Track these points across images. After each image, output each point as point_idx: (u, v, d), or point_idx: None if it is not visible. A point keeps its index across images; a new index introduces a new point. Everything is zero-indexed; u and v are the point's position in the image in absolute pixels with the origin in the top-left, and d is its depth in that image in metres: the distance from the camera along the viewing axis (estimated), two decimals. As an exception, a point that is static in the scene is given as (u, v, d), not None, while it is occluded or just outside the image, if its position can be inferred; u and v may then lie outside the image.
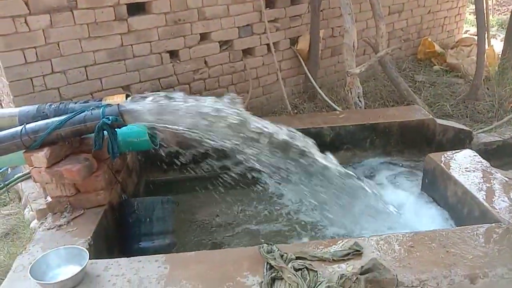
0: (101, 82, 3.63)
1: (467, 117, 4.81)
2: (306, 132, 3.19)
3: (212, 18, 4.03)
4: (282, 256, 1.93)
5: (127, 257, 2.45)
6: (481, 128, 4.43)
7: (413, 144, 3.60)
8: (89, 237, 2.20)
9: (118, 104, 2.31)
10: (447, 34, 6.70)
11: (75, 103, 2.49)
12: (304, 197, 2.96)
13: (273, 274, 1.83)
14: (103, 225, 2.38)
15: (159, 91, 3.96)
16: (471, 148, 3.82)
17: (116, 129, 2.33)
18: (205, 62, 4.17)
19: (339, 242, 2.08)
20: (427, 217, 2.70)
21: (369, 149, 3.57)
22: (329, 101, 4.64)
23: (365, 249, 2.01)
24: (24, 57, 3.20)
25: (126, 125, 2.32)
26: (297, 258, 1.95)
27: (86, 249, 2.04)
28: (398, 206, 2.82)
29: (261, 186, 3.05)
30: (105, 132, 2.30)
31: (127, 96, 2.51)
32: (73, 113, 2.29)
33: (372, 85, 5.33)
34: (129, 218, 2.59)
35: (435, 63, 6.22)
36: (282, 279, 1.82)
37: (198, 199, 3.28)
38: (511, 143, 3.94)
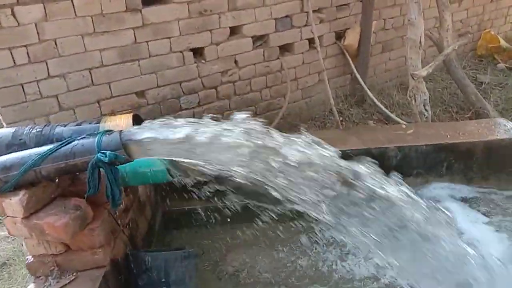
0: (109, 87, 2.97)
1: (550, 127, 3.95)
2: (367, 152, 2.52)
3: (245, 9, 3.31)
4: None
5: None
6: None
7: (501, 169, 2.81)
8: (79, 323, 1.53)
9: (121, 132, 1.62)
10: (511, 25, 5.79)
11: (64, 125, 1.81)
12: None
13: None
14: (101, 296, 1.71)
15: (180, 96, 3.32)
16: None
17: (117, 167, 1.64)
18: (235, 62, 3.46)
19: None
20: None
21: (446, 175, 2.80)
22: (383, 108, 3.87)
23: None
24: (13, 58, 2.56)
25: (131, 161, 1.64)
26: None
27: None
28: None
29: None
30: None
31: (135, 117, 1.82)
32: (58, 144, 1.62)
33: (430, 87, 4.50)
34: (139, 279, 1.92)
35: (499, 60, 5.33)
36: None
37: (229, 236, 2.60)
38: None
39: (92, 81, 2.88)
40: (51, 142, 1.74)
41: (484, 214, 2.64)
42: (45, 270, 1.78)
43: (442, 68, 4.52)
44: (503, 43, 5.30)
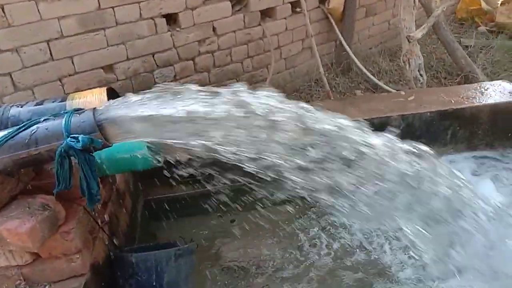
0: (72, 62, 2.58)
1: (538, 88, 3.85)
2: (368, 124, 2.29)
3: (222, -33, 2.95)
4: None
5: None
6: None
7: (506, 134, 2.64)
8: None
9: (95, 109, 1.29)
10: (491, -14, 5.64)
11: (21, 106, 1.45)
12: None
13: None
14: (83, 311, 1.40)
15: (154, 70, 2.97)
16: None
17: (92, 153, 1.31)
18: (213, 29, 3.12)
19: None
20: None
21: (450, 143, 2.60)
22: (371, 76, 3.64)
23: None
24: (-50, 29, 2.13)
25: (109, 146, 1.31)
26: None
27: None
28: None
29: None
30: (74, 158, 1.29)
31: (110, 92, 1.48)
32: (15, 129, 1.27)
33: (416, 52, 4.30)
34: (126, 285, 1.62)
35: (479, 23, 5.19)
36: None
37: (222, 225, 2.32)
38: None
39: (51, 55, 2.48)
40: (5, 126, 1.39)
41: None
42: (10, 284, 1.46)
43: (427, 32, 4.32)
44: (484, 5, 5.17)
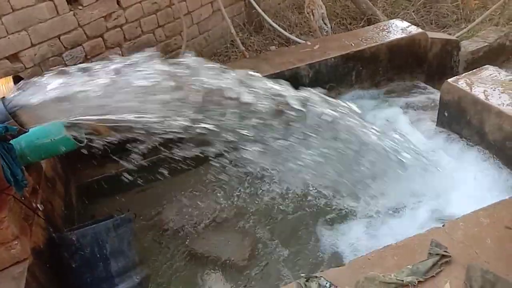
0: (-29, 55, 2.45)
1: (431, 23, 4.22)
2: (280, 76, 2.45)
3: None
4: (346, 299, 1.22)
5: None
6: (452, 34, 3.87)
7: (403, 68, 2.94)
8: (13, 330, 1.30)
9: (4, 98, 1.31)
10: None
11: None
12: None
13: None
14: (32, 292, 1.47)
15: (62, 53, 2.89)
16: (458, 61, 3.31)
17: (9, 141, 1.35)
18: (118, 2, 3.06)
19: (407, 244, 1.40)
20: (469, 162, 2.11)
21: (356, 83, 2.86)
22: (282, 31, 3.78)
23: (450, 249, 1.35)
24: None
25: (26, 131, 1.35)
26: (366, 293, 1.25)
27: None
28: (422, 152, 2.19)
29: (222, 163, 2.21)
30: (-7, 149, 1.31)
31: (16, 80, 1.48)
32: None
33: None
34: (72, 262, 1.70)
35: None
36: None
37: (155, 195, 2.42)
38: (497, 46, 3.46)
39: None
40: None
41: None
42: (-49, 282, 1.48)
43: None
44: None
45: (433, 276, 1.27)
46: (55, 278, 1.68)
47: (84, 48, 2.96)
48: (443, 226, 1.46)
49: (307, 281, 1.28)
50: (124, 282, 1.74)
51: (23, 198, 1.60)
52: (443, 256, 1.32)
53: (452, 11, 4.26)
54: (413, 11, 4.28)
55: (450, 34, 3.81)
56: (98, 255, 1.71)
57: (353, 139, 2.02)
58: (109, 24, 3.06)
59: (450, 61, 3.22)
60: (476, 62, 3.27)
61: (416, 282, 1.25)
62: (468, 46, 3.34)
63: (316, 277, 1.29)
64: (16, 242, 1.50)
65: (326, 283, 1.26)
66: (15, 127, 1.27)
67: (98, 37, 3.03)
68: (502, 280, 1.22)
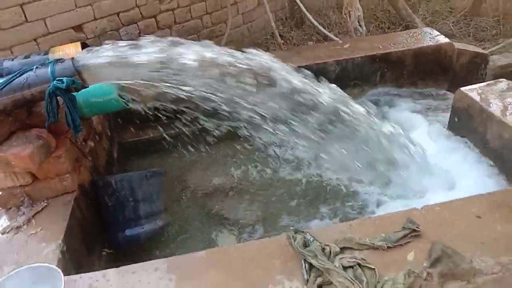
0: (45, 23, 2.85)
1: (469, 35, 4.31)
2: (308, 69, 2.68)
3: None
4: (323, 249, 1.48)
5: (114, 253, 1.99)
6: (487, 48, 3.96)
7: (428, 74, 3.11)
8: (60, 241, 1.65)
9: (73, 58, 1.65)
10: None
11: (12, 59, 1.79)
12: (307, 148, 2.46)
13: (319, 280, 1.38)
14: (76, 218, 1.83)
15: (119, 28, 3.27)
16: (485, 74, 3.42)
17: (73, 93, 1.69)
18: (173, -11, 3.40)
19: (386, 218, 1.64)
20: (471, 166, 2.29)
21: (380, 83, 3.06)
22: (321, 28, 4.01)
23: (422, 227, 1.58)
24: None
25: (86, 87, 1.69)
26: (341, 248, 1.50)
27: (60, 258, 1.54)
28: (426, 150, 2.39)
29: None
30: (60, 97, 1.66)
31: (84, 46, 1.83)
32: (10, 77, 1.63)
33: (364, 5, 4.66)
34: (109, 201, 2.05)
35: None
36: (330, 283, 1.38)
37: (185, 161, 2.75)
38: (528, 64, 3.53)
39: (25, 17, 2.75)
40: (1, 76, 1.74)
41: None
42: (15, 201, 1.86)
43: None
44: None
45: (401, 245, 1.51)
46: (94, 212, 2.04)
47: (138, 26, 3.32)
48: (421, 208, 1.68)
49: (295, 233, 1.55)
50: (149, 224, 2.07)
51: (78, 142, 1.96)
52: (414, 230, 1.55)
53: (492, 25, 4.34)
54: (452, 22, 4.39)
55: (485, 48, 3.91)
56: (131, 198, 2.05)
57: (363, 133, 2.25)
58: (163, 7, 3.40)
59: (477, 73, 3.34)
60: (504, 76, 3.36)
61: (386, 247, 1.49)
62: (498, 60, 3.43)
63: (303, 231, 1.56)
64: (68, 176, 1.86)
65: (310, 237, 1.53)
66: (79, 81, 1.61)
67: (152, 18, 3.38)
68: (458, 254, 1.44)
